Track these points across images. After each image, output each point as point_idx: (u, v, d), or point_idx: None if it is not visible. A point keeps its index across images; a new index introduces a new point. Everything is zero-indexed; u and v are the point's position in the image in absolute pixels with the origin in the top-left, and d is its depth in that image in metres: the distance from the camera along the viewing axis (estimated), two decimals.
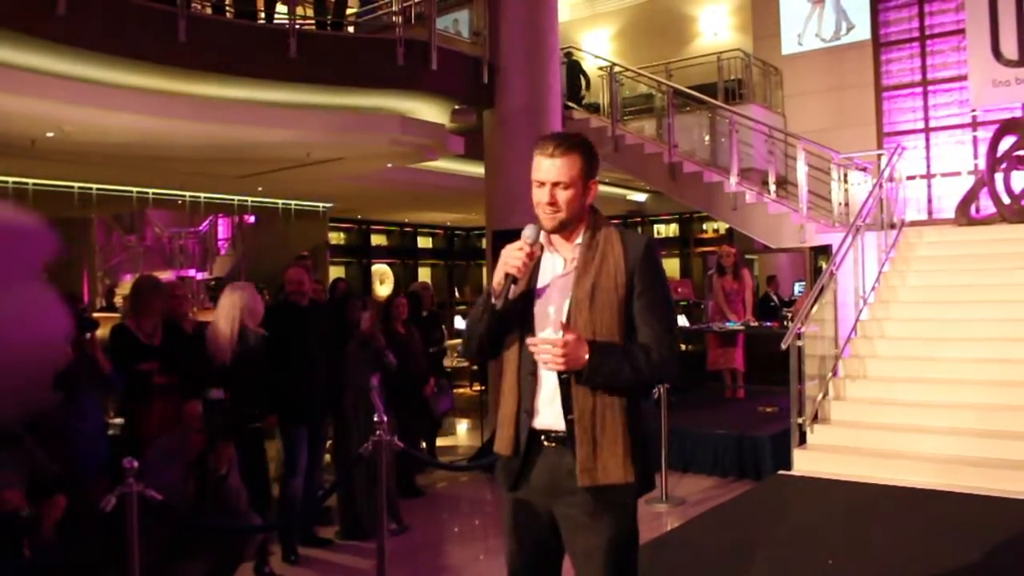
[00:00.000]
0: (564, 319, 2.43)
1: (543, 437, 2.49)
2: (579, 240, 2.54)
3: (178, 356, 4.98)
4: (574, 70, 12.43)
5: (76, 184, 12.76)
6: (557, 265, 2.56)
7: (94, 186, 13.03)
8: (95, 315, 8.02)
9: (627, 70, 12.33)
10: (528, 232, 2.51)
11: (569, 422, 2.43)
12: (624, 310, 2.45)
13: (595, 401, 2.42)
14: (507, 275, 2.45)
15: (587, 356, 2.35)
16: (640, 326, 2.46)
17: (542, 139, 2.55)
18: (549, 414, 2.48)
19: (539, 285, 2.54)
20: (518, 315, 2.52)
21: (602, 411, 2.42)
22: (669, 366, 2.46)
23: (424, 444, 7.73)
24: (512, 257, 2.46)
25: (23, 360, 1.60)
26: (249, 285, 5.51)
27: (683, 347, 9.44)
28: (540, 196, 2.52)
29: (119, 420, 5.15)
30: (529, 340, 2.43)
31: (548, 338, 2.38)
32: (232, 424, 4.80)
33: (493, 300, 2.48)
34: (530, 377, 2.49)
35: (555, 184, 2.48)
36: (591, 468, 2.40)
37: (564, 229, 2.53)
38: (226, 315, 5.13)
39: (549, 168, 2.49)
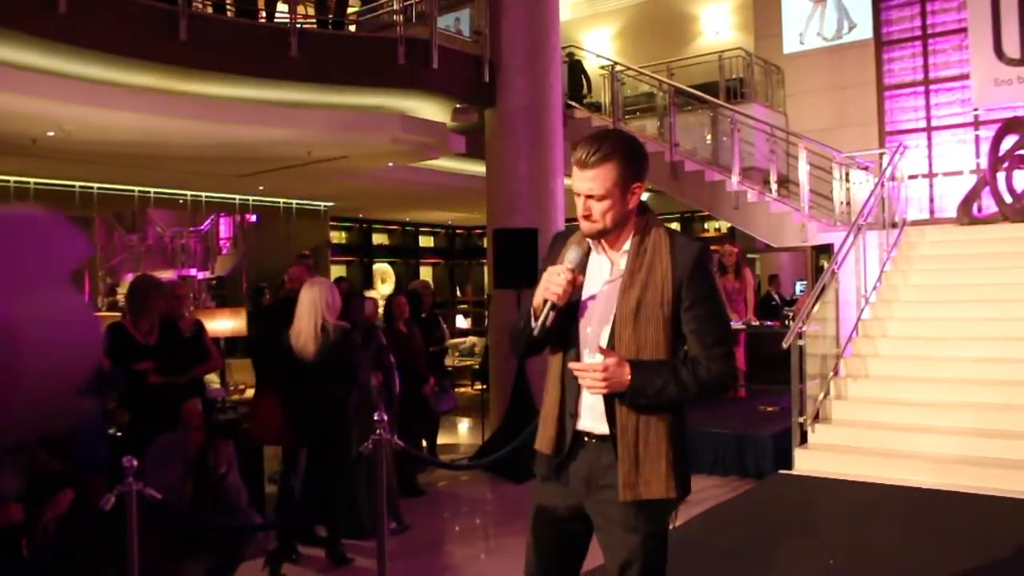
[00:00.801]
0: (608, 337, 2.36)
1: (585, 436, 2.43)
2: (626, 247, 2.41)
3: (174, 355, 4.98)
4: (576, 70, 12.43)
5: (77, 183, 12.76)
6: (604, 269, 2.44)
7: (95, 185, 13.03)
8: (97, 314, 8.00)
9: (628, 69, 12.32)
10: (571, 255, 2.38)
11: (612, 435, 2.37)
12: (671, 324, 2.36)
13: (639, 418, 2.35)
14: (546, 301, 2.35)
15: (629, 378, 2.28)
16: (690, 339, 2.37)
17: (577, 142, 2.39)
18: (590, 418, 2.42)
19: (585, 292, 2.42)
20: (563, 325, 2.42)
21: (646, 426, 2.35)
22: (719, 381, 2.37)
23: (425, 443, 7.73)
24: (553, 283, 2.33)
25: (61, 368, 1.59)
26: (326, 280, 5.55)
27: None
28: (578, 206, 2.39)
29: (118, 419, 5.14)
30: (571, 365, 2.37)
31: (588, 363, 2.32)
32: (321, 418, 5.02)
33: (532, 324, 2.38)
34: (573, 380, 2.40)
35: (589, 196, 2.34)
36: (633, 483, 2.34)
37: (607, 236, 2.41)
38: (308, 312, 5.13)
39: (582, 179, 2.35)
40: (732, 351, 2.41)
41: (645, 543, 2.40)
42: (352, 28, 10.62)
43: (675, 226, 19.58)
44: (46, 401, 1.58)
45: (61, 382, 1.59)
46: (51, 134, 8.77)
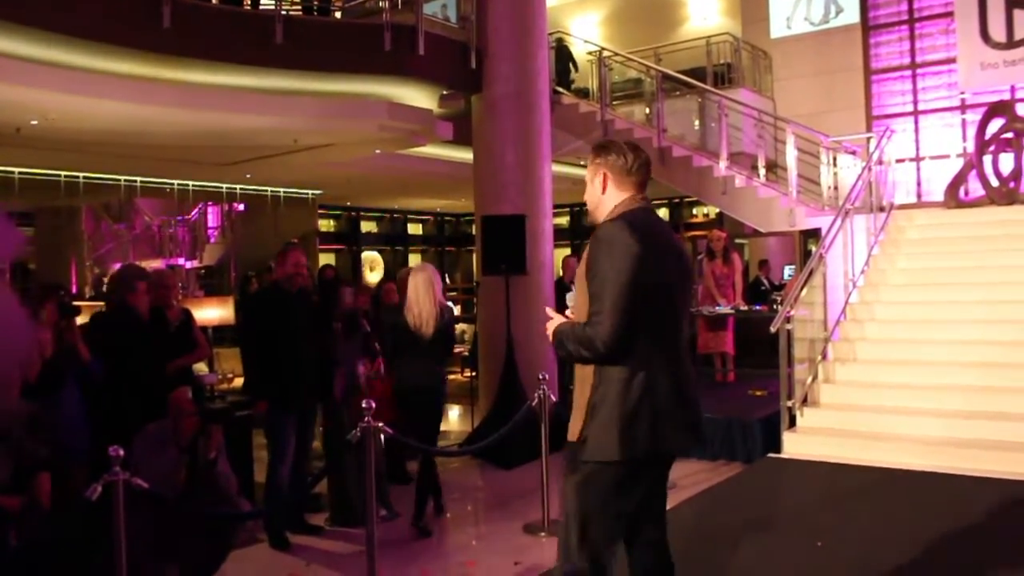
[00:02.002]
0: (569, 305, 3.00)
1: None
2: None
3: (161, 343, 4.96)
4: (563, 55, 12.39)
5: (63, 172, 12.68)
6: None
7: (81, 174, 12.96)
8: (82, 303, 7.97)
9: (616, 55, 12.29)
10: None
11: (570, 391, 2.97)
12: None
13: (577, 374, 2.88)
14: None
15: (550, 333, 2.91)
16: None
17: None
18: None
19: None
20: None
21: (579, 380, 2.86)
22: (592, 341, 2.73)
23: None
24: None
25: None
26: (428, 264, 6.01)
27: None
28: None
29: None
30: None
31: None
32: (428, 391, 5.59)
33: None
34: None
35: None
36: (569, 427, 2.88)
37: (595, 219, 2.97)
38: (426, 293, 5.51)
39: None
40: (604, 320, 2.72)
41: (569, 485, 2.86)
42: (338, 15, 10.55)
43: (663, 212, 19.59)
44: None
45: None
46: (35, 123, 8.71)
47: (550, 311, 2.99)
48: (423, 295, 5.50)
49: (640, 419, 2.73)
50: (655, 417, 2.74)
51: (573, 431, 2.82)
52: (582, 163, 14.36)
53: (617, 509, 2.81)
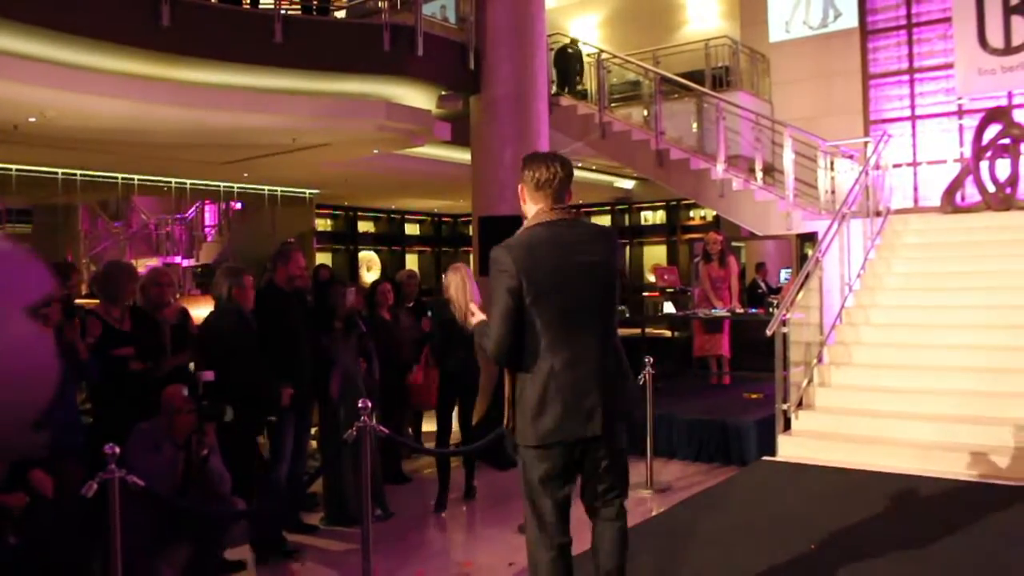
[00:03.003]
0: None
1: None
2: None
3: (150, 341, 4.95)
4: (569, 57, 12.35)
5: (60, 170, 12.67)
6: None
7: (78, 172, 12.95)
8: (79, 302, 7.95)
9: (615, 57, 12.31)
10: None
11: None
12: None
13: (506, 370, 3.19)
14: None
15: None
16: None
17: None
18: None
19: None
20: None
21: (507, 377, 3.17)
22: (484, 347, 3.16)
23: (410, 430, 7.72)
24: None
25: (8, 403, 1.55)
26: (462, 265, 6.39)
27: (670, 333, 9.46)
28: None
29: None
30: None
31: None
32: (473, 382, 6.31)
33: None
34: None
35: None
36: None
37: None
38: (461, 291, 5.97)
39: None
40: (491, 331, 3.12)
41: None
42: (338, 15, 10.56)
43: (660, 214, 19.62)
44: None
45: (8, 415, 1.56)
46: (33, 120, 8.70)
47: (473, 307, 3.45)
48: (459, 293, 5.96)
49: (545, 408, 3.05)
50: (560, 406, 3.04)
51: (506, 420, 3.18)
52: (579, 165, 14.39)
53: (551, 487, 3.11)
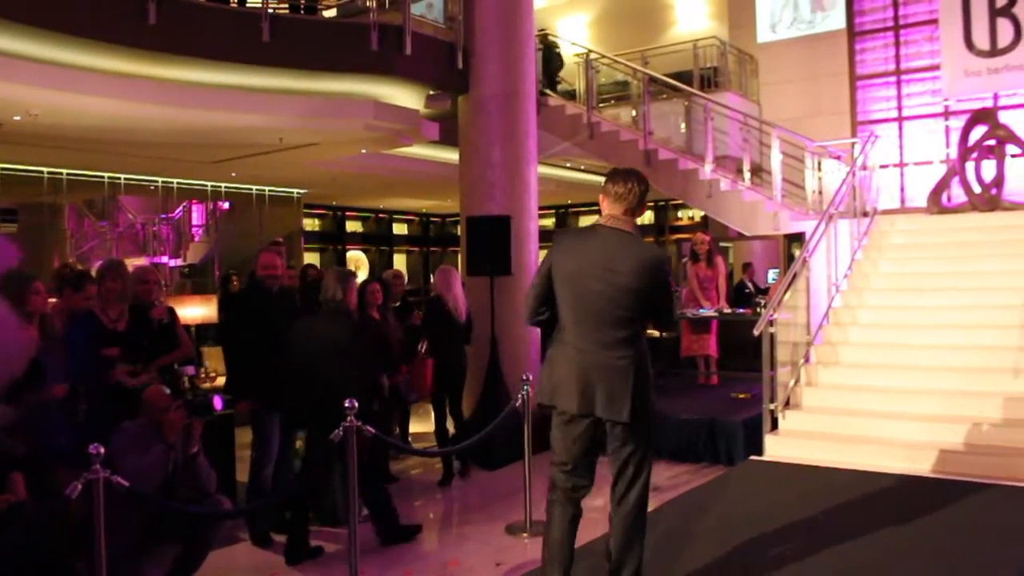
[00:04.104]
0: None
1: None
2: None
3: (144, 342, 4.93)
4: (548, 53, 12.34)
5: (46, 169, 12.60)
6: None
7: (64, 171, 12.88)
8: (18, 321, 7.89)
9: (603, 57, 12.31)
10: None
11: None
12: None
13: None
14: None
15: None
16: None
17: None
18: None
19: None
20: None
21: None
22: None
23: (398, 430, 7.71)
24: None
25: None
26: (451, 266, 7.43)
27: (658, 333, 9.48)
28: None
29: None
30: None
31: None
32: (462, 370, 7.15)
33: None
34: None
35: None
36: None
37: None
38: (453, 287, 7.10)
39: None
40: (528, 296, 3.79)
41: None
42: (325, 14, 10.53)
43: (648, 214, 19.64)
44: None
45: None
46: (18, 118, 8.65)
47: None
48: (457, 292, 7.07)
49: (549, 377, 3.65)
50: (558, 379, 3.60)
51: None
52: (568, 165, 14.39)
53: (563, 441, 3.65)
